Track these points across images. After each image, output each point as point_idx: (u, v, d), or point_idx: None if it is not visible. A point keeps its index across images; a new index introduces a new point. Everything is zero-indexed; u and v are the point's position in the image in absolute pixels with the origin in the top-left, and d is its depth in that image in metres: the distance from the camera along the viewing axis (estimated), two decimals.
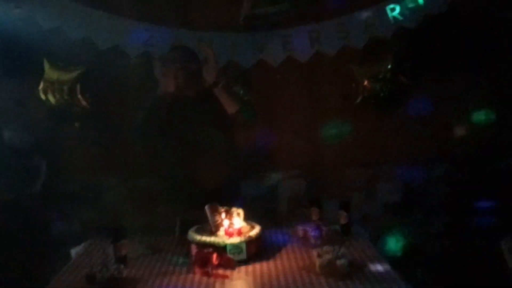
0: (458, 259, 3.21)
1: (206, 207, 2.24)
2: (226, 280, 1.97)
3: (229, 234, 2.16)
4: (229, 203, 2.37)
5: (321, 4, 3.26)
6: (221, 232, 2.19)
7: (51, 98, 3.09)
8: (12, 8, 3.12)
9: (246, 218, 2.32)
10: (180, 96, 2.67)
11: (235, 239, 2.13)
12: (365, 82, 3.18)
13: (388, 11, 3.22)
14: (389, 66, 3.14)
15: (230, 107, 2.66)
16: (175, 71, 2.62)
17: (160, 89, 2.62)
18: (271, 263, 2.13)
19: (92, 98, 3.20)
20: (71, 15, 3.17)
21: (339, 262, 1.97)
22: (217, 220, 2.23)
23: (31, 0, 3.14)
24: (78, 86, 3.09)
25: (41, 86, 3.09)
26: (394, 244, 3.22)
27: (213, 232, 2.20)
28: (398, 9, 3.21)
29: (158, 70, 2.71)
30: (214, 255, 2.04)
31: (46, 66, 3.10)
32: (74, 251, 2.55)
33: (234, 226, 2.20)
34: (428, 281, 2.99)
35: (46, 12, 3.16)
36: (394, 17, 3.22)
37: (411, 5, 3.21)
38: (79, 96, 3.09)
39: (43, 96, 3.09)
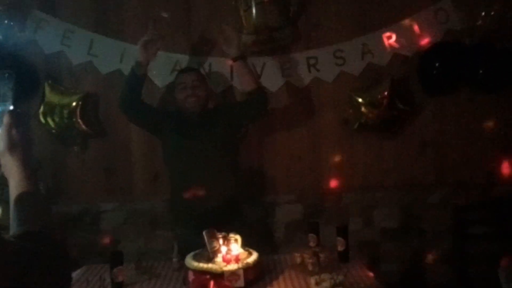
0: (457, 285, 3.20)
1: (204, 233, 2.24)
2: None
3: (226, 261, 2.16)
4: (228, 227, 2.38)
5: (319, 30, 3.31)
6: (219, 258, 2.19)
7: (50, 122, 3.11)
8: (16, 32, 3.17)
9: (244, 244, 2.32)
10: (184, 111, 2.76)
11: (233, 266, 2.14)
12: (363, 108, 3.21)
13: (384, 39, 3.28)
14: (386, 93, 3.17)
15: (248, 84, 2.84)
16: (185, 97, 2.71)
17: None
18: None
19: (92, 122, 3.22)
20: (74, 39, 3.22)
21: None
22: (215, 246, 2.23)
23: (35, 25, 3.19)
24: (78, 110, 3.11)
25: (41, 109, 3.11)
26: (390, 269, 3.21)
27: (210, 258, 2.20)
28: (394, 37, 3.27)
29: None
30: (212, 282, 2.04)
31: (47, 89, 3.13)
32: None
33: (231, 253, 2.20)
34: None
35: (48, 36, 3.21)
36: (390, 45, 3.28)
37: (406, 33, 3.27)
38: (79, 120, 3.11)
39: (43, 120, 3.10)
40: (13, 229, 0.96)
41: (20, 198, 0.99)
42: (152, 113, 2.90)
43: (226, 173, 2.78)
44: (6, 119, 1.03)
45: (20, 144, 1.03)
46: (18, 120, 1.04)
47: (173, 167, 2.84)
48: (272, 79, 3.29)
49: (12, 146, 1.02)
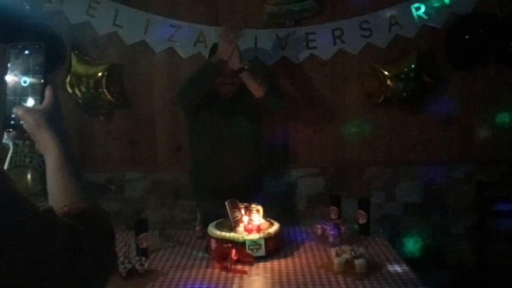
0: (478, 262, 3.18)
1: (226, 203, 2.27)
2: (245, 276, 2.01)
3: (248, 231, 2.19)
4: (250, 199, 2.40)
5: (345, 1, 3.24)
6: (241, 228, 2.22)
7: (77, 92, 3.16)
8: (42, 2, 3.20)
9: (266, 216, 2.35)
10: (218, 93, 2.69)
11: (254, 236, 2.17)
12: (388, 81, 3.16)
13: (413, 10, 3.19)
14: (413, 66, 3.11)
15: (257, 91, 2.61)
16: (221, 82, 2.65)
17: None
18: (289, 260, 2.16)
19: (118, 92, 3.26)
20: (99, 10, 3.23)
21: (357, 262, 1.99)
22: (237, 216, 2.26)
23: None
24: (104, 81, 3.15)
25: (68, 79, 3.16)
26: (413, 245, 3.21)
27: (232, 227, 2.23)
28: (423, 8, 3.17)
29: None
30: (233, 251, 2.08)
31: (74, 60, 3.17)
32: None
33: (253, 223, 2.23)
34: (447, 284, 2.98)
35: (74, 7, 3.23)
36: (419, 16, 3.19)
37: (436, 4, 3.18)
38: (105, 90, 3.15)
39: (70, 90, 3.15)
40: (54, 206, 0.89)
41: (60, 174, 0.95)
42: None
43: (251, 148, 2.78)
44: (47, 93, 0.99)
45: (56, 119, 0.99)
46: (53, 94, 1.00)
47: (199, 140, 2.84)
48: (296, 51, 3.26)
49: (48, 120, 0.98)
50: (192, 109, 2.75)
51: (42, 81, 1.01)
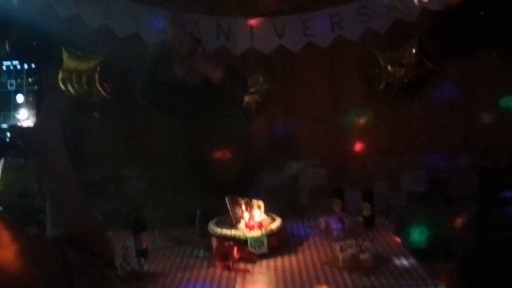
0: (485, 251, 3.13)
1: (227, 199, 2.21)
2: (248, 274, 1.95)
3: (249, 227, 2.13)
4: (249, 193, 2.34)
5: None
6: (242, 225, 2.16)
7: (70, 88, 3.08)
8: None
9: (267, 210, 2.28)
10: (187, 83, 2.60)
11: (256, 232, 2.11)
12: (389, 68, 3.08)
13: None
14: (414, 51, 3.03)
15: (215, 76, 2.50)
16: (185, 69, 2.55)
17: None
18: (293, 256, 2.10)
19: (112, 88, 3.18)
20: (89, 3, 3.13)
21: (362, 256, 1.93)
22: (238, 213, 2.20)
23: None
24: (97, 76, 3.07)
25: (60, 75, 3.08)
26: (419, 236, 3.16)
27: (233, 224, 2.18)
28: None
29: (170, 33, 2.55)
30: (235, 249, 2.02)
31: (65, 55, 3.09)
32: None
33: (254, 219, 2.17)
34: (454, 274, 2.93)
35: (64, 0, 3.13)
36: None
37: None
38: (98, 86, 3.07)
39: (62, 86, 3.08)
40: (50, 227, 0.89)
41: (59, 196, 0.93)
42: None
43: (235, 142, 2.69)
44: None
45: (57, 140, 0.96)
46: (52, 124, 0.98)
47: (181, 137, 2.76)
48: (293, 38, 3.17)
49: (45, 140, 0.95)
50: (159, 106, 2.66)
51: (36, 88, 0.99)
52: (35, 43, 3.06)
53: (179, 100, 2.58)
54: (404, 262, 2.00)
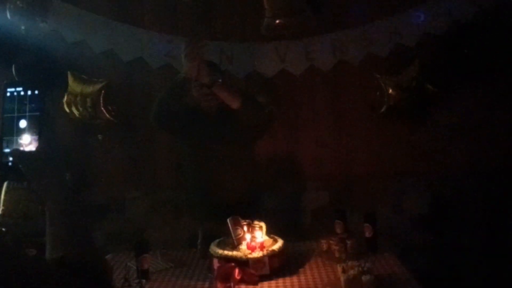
0: (490, 276, 3.08)
1: (228, 220, 2.20)
2: None
3: (251, 248, 2.12)
4: (251, 215, 2.33)
5: (344, 12, 3.21)
6: (243, 246, 2.15)
7: (75, 111, 3.12)
8: (38, 22, 3.17)
9: (269, 232, 2.28)
10: (202, 109, 2.63)
11: (258, 253, 2.09)
12: (390, 91, 3.11)
13: (414, 18, 3.15)
14: (415, 74, 3.06)
15: (233, 102, 2.48)
16: (202, 95, 2.55)
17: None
18: (295, 278, 2.08)
19: (116, 111, 3.22)
20: (95, 28, 3.21)
21: (364, 278, 1.91)
22: (239, 234, 2.19)
23: (56, 14, 3.19)
24: (101, 99, 3.11)
25: (65, 99, 3.13)
26: (422, 259, 3.11)
27: (235, 246, 2.16)
28: (423, 16, 3.13)
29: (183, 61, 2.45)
30: (236, 270, 2.00)
31: (70, 79, 3.14)
32: None
33: (256, 240, 2.16)
34: None
35: (70, 26, 3.21)
36: (419, 25, 3.15)
37: (437, 11, 3.13)
38: (102, 109, 3.11)
39: (67, 109, 3.12)
40: (49, 250, 0.91)
41: (58, 219, 0.94)
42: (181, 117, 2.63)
43: (243, 166, 2.69)
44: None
45: (58, 165, 0.98)
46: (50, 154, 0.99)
47: (191, 160, 2.76)
48: (295, 63, 3.22)
49: (47, 165, 0.97)
50: (172, 130, 2.67)
51: (39, 114, 1.00)
52: (41, 68, 3.11)
53: (193, 125, 2.60)
54: (407, 285, 1.97)
